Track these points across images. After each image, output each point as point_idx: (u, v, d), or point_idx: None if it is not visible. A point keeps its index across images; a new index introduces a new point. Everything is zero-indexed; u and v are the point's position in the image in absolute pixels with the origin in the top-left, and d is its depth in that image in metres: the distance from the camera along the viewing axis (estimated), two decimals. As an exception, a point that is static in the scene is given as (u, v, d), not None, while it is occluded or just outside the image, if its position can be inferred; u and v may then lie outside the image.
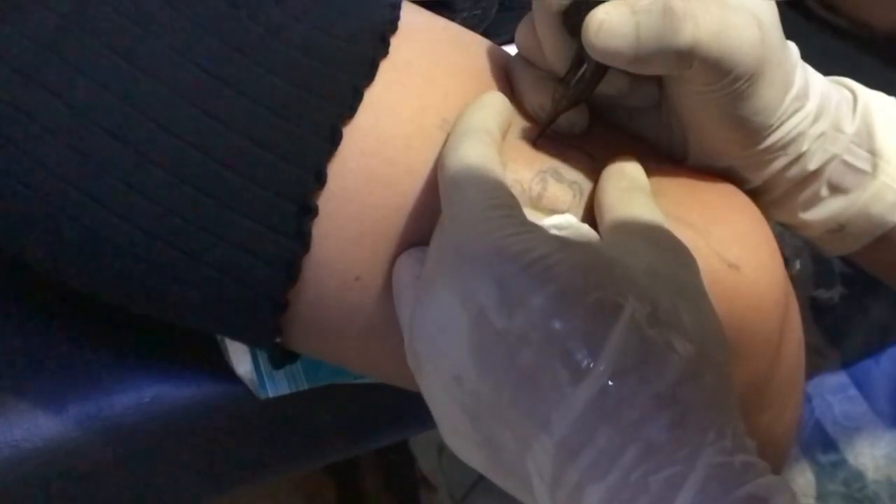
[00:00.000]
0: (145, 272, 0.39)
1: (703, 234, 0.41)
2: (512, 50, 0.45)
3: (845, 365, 0.77)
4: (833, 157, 0.45)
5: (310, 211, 0.38)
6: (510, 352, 0.32)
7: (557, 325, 0.32)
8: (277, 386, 0.51)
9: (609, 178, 0.41)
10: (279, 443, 0.56)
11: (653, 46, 0.37)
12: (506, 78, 0.43)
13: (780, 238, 0.45)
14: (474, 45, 0.44)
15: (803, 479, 0.77)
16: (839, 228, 0.46)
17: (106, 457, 0.51)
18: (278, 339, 0.41)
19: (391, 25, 0.41)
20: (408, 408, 0.58)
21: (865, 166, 0.45)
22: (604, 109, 0.44)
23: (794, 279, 0.61)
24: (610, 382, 0.31)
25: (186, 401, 0.52)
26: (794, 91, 0.42)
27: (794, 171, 0.44)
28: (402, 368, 0.37)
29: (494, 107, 0.39)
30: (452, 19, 0.50)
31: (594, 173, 0.42)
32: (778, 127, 0.42)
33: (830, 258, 0.68)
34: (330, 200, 0.39)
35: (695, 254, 0.38)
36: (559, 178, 0.41)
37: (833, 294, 0.65)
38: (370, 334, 0.41)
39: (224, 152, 0.38)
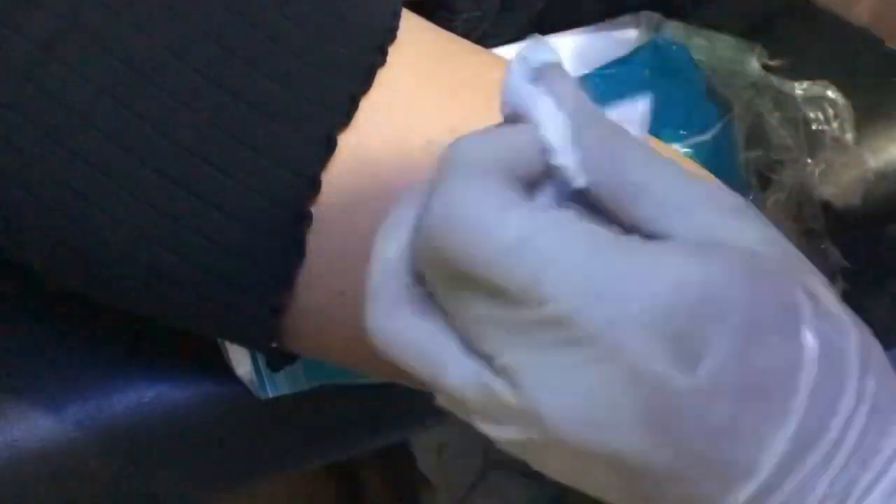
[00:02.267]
0: (142, 276, 0.39)
1: None
2: (512, 51, 0.45)
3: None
4: None
5: (304, 218, 0.38)
6: (699, 410, 0.27)
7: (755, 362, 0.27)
8: (277, 386, 0.51)
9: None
10: (279, 443, 0.56)
11: None
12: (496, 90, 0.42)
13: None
14: (463, 57, 0.44)
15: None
16: None
17: (106, 457, 0.51)
18: (274, 344, 0.41)
19: (390, 34, 0.41)
20: (408, 408, 0.58)
21: None
22: None
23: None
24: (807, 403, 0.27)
25: (186, 401, 0.52)
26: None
27: None
28: (394, 376, 0.37)
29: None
30: (452, 20, 0.50)
31: None
32: None
33: (829, 255, 0.67)
34: (317, 214, 0.39)
35: None
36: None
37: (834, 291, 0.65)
38: (356, 347, 0.41)
39: (219, 157, 0.38)
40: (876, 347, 0.29)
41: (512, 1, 0.58)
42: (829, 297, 0.28)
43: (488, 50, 0.46)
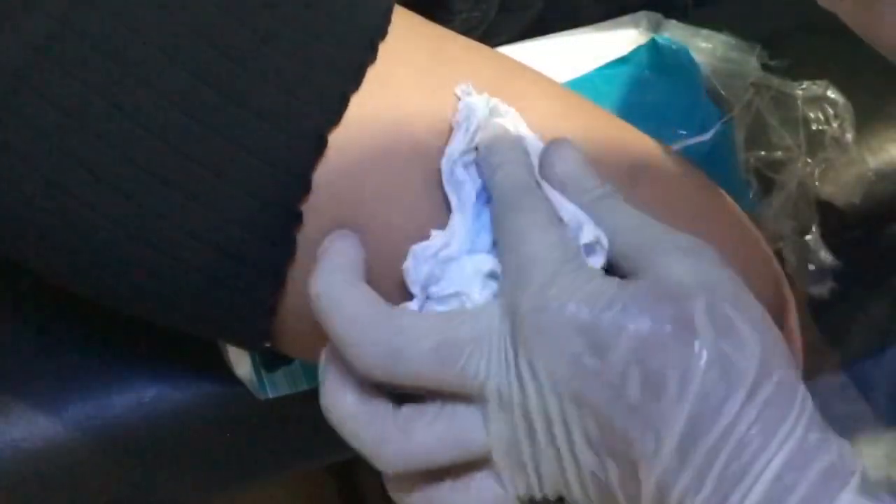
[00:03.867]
0: (134, 277, 0.40)
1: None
2: (509, 50, 0.45)
3: (845, 365, 0.77)
4: None
5: (295, 217, 0.38)
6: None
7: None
8: (277, 386, 0.51)
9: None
10: (279, 443, 0.56)
11: None
12: (487, 88, 0.42)
13: (777, 235, 0.45)
14: (457, 54, 0.44)
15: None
16: None
17: (106, 457, 0.51)
18: (268, 344, 0.41)
19: (380, 31, 0.41)
20: (408, 408, 0.58)
21: None
22: None
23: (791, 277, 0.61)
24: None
25: (186, 401, 0.52)
26: None
27: None
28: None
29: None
30: (451, 20, 0.50)
31: None
32: None
33: (821, 254, 0.67)
34: (308, 213, 0.39)
35: None
36: None
37: (823, 290, 0.65)
38: None
39: (210, 157, 0.38)
40: (787, 369, 0.35)
41: (511, 1, 0.58)
42: (745, 319, 0.34)
43: (484, 46, 0.46)
